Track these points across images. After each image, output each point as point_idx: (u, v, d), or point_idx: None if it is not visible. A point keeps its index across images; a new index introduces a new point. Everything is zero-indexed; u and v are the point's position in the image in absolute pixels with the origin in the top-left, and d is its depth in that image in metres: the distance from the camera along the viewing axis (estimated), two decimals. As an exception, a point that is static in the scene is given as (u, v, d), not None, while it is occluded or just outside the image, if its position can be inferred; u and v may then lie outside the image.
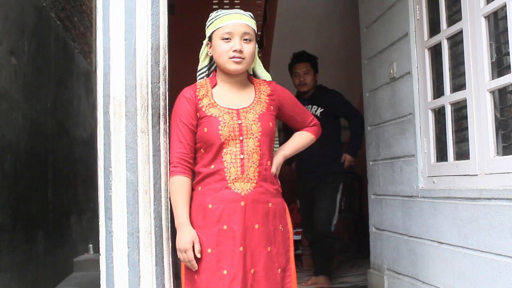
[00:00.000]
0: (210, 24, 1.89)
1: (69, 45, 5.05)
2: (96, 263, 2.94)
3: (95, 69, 3.37)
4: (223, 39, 1.84)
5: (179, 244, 1.78)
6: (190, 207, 1.84)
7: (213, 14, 1.91)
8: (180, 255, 1.79)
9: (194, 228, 1.81)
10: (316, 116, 3.60)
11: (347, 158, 3.92)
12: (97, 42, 1.79)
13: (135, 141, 1.72)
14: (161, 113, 1.80)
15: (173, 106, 1.88)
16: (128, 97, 1.73)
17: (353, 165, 4.06)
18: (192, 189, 1.87)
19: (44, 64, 4.16)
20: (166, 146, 1.80)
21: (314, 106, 3.86)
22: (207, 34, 1.91)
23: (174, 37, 2.93)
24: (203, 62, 1.98)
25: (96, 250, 5.16)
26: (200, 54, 1.98)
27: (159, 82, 1.79)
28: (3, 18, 3.25)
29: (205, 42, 1.94)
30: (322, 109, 3.84)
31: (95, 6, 2.02)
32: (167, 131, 1.82)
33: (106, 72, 1.74)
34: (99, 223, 1.75)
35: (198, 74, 1.99)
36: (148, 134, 1.74)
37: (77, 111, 5.27)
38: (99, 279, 1.74)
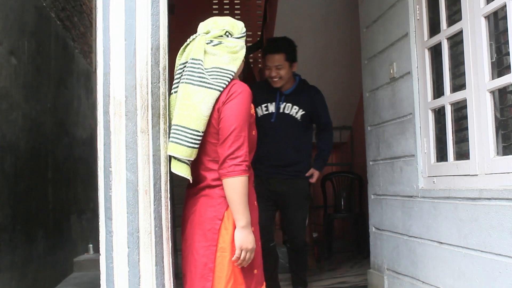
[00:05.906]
0: None
1: (69, 45, 5.05)
2: (96, 263, 2.93)
3: (95, 69, 3.37)
4: None
5: (250, 243, 1.78)
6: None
7: None
8: (244, 254, 1.77)
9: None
10: (295, 119, 3.24)
11: (316, 175, 3.35)
12: (97, 42, 1.79)
13: (135, 141, 1.72)
14: (161, 113, 1.79)
15: (240, 99, 1.80)
16: (128, 97, 1.73)
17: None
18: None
19: (44, 64, 4.16)
20: (166, 146, 1.80)
21: (294, 107, 3.21)
22: None
23: (174, 37, 2.92)
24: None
25: (96, 250, 5.16)
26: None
27: (159, 82, 1.79)
28: (3, 18, 3.25)
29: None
30: (303, 112, 3.22)
31: (95, 6, 2.02)
32: (167, 131, 1.82)
33: (106, 72, 1.74)
34: (99, 223, 1.75)
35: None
36: (148, 134, 1.74)
37: (77, 111, 5.27)
38: (99, 279, 1.74)
